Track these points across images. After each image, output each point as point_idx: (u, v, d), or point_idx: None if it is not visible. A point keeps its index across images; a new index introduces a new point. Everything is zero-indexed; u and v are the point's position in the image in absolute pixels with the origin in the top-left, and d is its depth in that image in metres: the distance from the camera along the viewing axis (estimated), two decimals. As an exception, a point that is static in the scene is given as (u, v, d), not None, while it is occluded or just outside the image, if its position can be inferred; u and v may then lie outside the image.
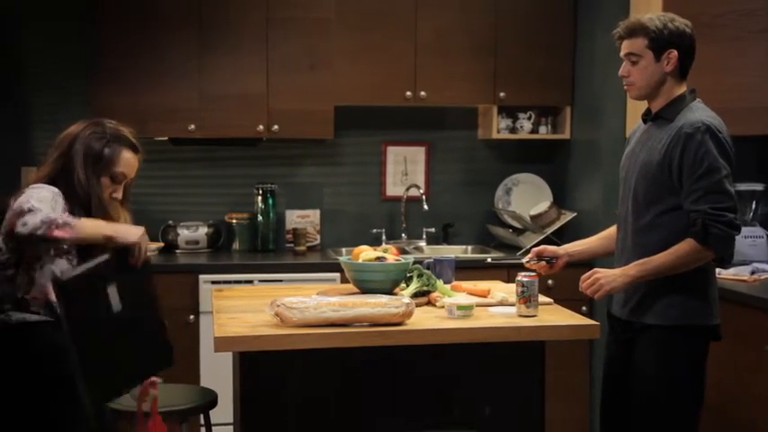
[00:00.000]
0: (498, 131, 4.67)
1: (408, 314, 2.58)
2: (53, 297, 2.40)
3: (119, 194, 2.61)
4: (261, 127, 4.33)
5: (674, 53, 2.68)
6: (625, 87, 2.79)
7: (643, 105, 2.91)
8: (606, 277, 2.66)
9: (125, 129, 2.63)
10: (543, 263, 2.95)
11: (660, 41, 2.67)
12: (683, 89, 2.74)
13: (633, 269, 2.65)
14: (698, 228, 2.57)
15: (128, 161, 2.60)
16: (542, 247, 3.00)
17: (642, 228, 2.72)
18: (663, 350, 2.69)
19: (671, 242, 2.62)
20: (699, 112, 2.67)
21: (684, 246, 2.60)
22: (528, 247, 4.50)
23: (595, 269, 2.70)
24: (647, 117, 2.81)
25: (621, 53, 2.76)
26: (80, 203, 2.52)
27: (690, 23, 2.72)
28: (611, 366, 2.89)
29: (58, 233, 2.32)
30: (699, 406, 2.74)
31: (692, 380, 2.71)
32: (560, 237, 4.44)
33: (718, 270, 3.59)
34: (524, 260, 2.98)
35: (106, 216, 2.54)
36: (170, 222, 4.53)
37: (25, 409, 2.44)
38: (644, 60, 2.70)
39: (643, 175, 2.71)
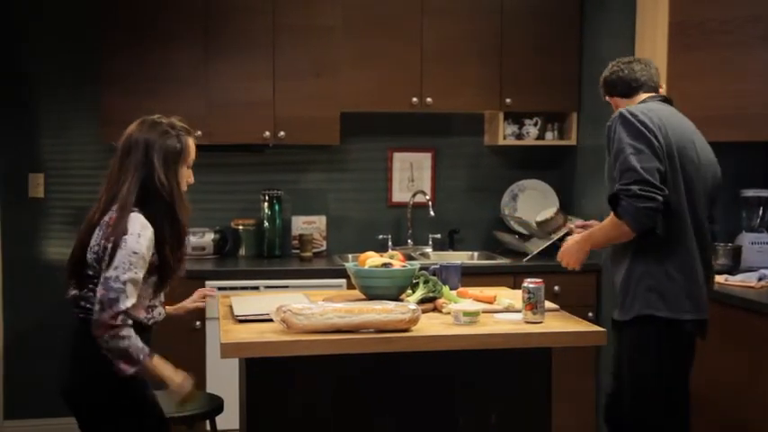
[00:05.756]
0: (504, 138, 4.68)
1: (414, 320, 2.58)
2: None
3: (192, 178, 2.77)
4: (267, 133, 4.34)
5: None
6: None
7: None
8: (563, 252, 2.99)
9: (174, 119, 2.74)
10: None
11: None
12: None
13: (579, 237, 2.98)
14: (612, 204, 2.81)
15: (192, 146, 2.74)
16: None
17: None
18: (621, 345, 2.92)
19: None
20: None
21: (606, 219, 2.86)
22: (535, 252, 4.50)
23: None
24: None
25: None
26: (165, 205, 2.61)
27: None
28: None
29: (124, 367, 2.50)
30: (661, 399, 2.86)
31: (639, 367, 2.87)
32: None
33: (725, 277, 3.61)
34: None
35: (184, 209, 2.67)
36: (177, 228, 4.54)
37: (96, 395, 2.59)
38: None
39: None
